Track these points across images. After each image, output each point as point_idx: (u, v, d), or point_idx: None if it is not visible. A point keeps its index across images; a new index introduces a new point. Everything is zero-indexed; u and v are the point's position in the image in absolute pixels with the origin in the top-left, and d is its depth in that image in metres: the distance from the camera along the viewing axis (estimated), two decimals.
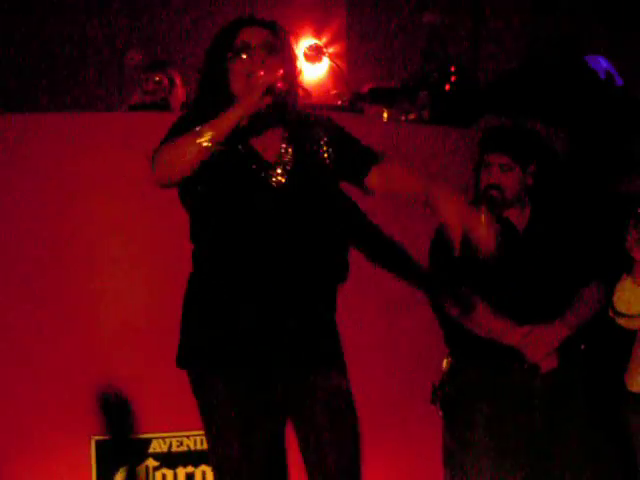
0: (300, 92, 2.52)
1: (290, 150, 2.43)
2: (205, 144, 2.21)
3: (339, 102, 5.21)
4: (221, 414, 2.39)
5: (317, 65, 6.05)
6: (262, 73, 2.30)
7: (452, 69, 4.80)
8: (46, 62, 6.12)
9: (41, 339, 3.13)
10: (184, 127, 2.31)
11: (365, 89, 4.98)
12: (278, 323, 2.38)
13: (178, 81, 4.48)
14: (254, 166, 2.39)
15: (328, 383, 2.45)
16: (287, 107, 2.40)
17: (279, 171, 2.40)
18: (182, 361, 2.47)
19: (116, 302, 3.18)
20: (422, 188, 2.38)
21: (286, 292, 2.37)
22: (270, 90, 2.25)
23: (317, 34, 6.40)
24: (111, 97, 4.94)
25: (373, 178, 2.51)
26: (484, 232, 2.29)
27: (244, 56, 2.39)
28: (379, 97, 4.80)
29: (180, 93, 4.50)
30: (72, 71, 6.05)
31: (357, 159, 2.52)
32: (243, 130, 2.31)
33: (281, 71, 2.29)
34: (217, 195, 2.36)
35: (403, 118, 4.81)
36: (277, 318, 2.38)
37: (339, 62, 6.33)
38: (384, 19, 6.51)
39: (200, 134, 2.22)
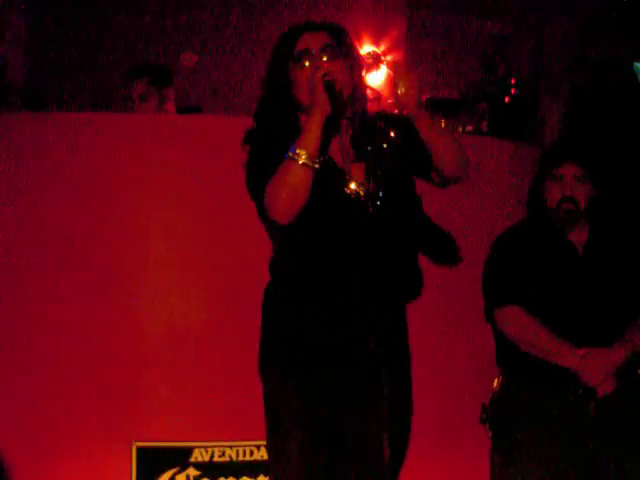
0: (368, 94, 2.50)
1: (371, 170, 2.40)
2: (309, 164, 2.19)
3: (396, 111, 5.17)
4: (290, 419, 2.37)
5: (375, 73, 6.03)
6: (316, 70, 2.27)
7: (512, 81, 4.75)
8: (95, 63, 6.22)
9: (83, 341, 3.12)
10: (265, 146, 2.31)
11: (423, 98, 4.95)
12: (356, 333, 2.35)
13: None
14: (344, 188, 2.37)
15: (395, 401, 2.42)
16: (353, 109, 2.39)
17: (362, 192, 2.37)
18: (261, 366, 2.46)
19: (164, 305, 3.15)
20: None
21: (367, 304, 2.34)
22: (330, 85, 2.21)
23: (376, 41, 6.37)
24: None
25: None
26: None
27: (306, 63, 2.35)
28: (437, 107, 4.76)
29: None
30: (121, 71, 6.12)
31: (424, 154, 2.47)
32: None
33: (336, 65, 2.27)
34: (306, 209, 2.31)
35: (461, 129, 4.76)
36: (356, 326, 2.35)
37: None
38: (444, 28, 6.46)
39: (296, 157, 2.19)
